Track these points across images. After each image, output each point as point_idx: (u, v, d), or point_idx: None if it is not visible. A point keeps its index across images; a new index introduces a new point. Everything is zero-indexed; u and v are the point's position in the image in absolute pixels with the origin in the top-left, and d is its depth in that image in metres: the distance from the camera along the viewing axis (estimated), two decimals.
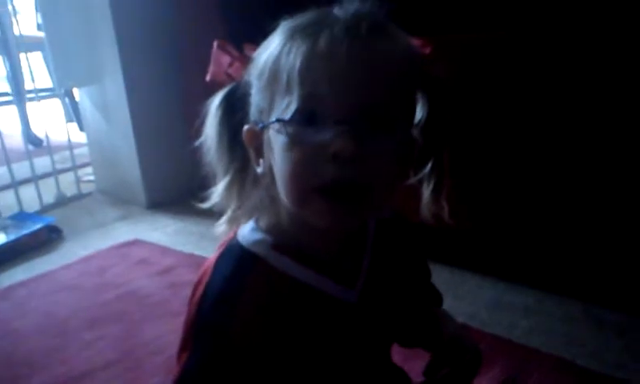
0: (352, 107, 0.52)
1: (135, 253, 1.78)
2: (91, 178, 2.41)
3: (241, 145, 0.60)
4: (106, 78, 2.15)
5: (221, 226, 0.62)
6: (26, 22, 3.49)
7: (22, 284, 1.63)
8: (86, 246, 1.86)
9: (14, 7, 2.66)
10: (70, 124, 3.39)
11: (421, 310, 0.74)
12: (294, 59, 0.52)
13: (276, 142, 0.55)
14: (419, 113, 0.60)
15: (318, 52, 0.52)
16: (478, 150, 1.36)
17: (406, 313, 0.72)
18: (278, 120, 0.54)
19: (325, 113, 0.52)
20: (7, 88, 3.42)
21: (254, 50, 0.60)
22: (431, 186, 0.63)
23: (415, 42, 0.60)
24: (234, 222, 0.62)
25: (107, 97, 2.19)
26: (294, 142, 0.53)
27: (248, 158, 0.60)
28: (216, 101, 0.61)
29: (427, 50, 0.61)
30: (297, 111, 0.53)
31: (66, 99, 3.42)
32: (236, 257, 0.59)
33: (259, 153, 0.59)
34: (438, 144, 0.62)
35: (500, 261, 1.44)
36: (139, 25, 2.06)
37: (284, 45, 0.54)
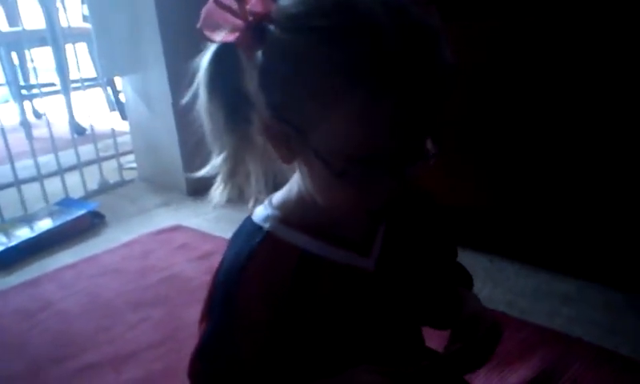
0: (405, 153, 0.53)
1: (176, 238, 1.82)
2: (133, 165, 2.46)
3: (238, 118, 0.58)
4: (148, 67, 2.19)
5: (215, 198, 0.62)
6: (72, 13, 3.58)
7: (68, 267, 1.69)
8: (129, 231, 1.90)
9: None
10: (112, 113, 3.48)
11: (444, 288, 0.72)
12: (348, 91, 0.50)
13: (320, 162, 0.54)
14: None
15: (378, 102, 0.50)
16: (517, 137, 1.36)
17: (427, 287, 0.71)
18: (334, 155, 0.53)
19: (382, 159, 0.52)
20: (53, 78, 3.51)
21: None
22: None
23: None
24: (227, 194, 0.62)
25: (150, 85, 2.24)
26: (348, 177, 0.53)
27: (246, 133, 0.59)
28: (204, 61, 0.58)
29: None
30: (354, 157, 0.52)
31: (109, 89, 3.49)
32: (247, 232, 0.62)
33: (286, 147, 0.57)
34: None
35: (540, 249, 1.42)
36: (181, 14, 2.08)
37: (326, 51, 0.50)
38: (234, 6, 0.54)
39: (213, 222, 1.89)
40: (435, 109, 0.53)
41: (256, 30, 0.54)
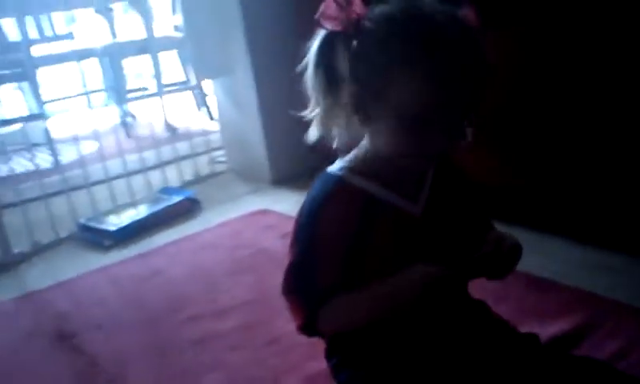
0: (452, 117, 0.76)
1: (263, 220, 2.06)
2: (223, 159, 2.74)
3: (333, 88, 0.79)
4: (236, 70, 2.43)
5: (310, 136, 0.84)
6: (163, 24, 3.93)
7: (172, 243, 1.97)
8: (221, 214, 2.16)
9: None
10: (200, 112, 3.79)
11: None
12: (415, 71, 0.73)
13: (393, 119, 0.76)
14: None
15: (433, 80, 0.72)
16: (559, 121, 1.49)
17: (466, 236, 0.87)
18: (403, 113, 0.75)
19: (435, 119, 0.75)
20: (145, 83, 3.87)
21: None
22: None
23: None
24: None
25: (237, 87, 2.47)
26: (413, 131, 0.75)
27: (337, 96, 0.79)
28: (317, 40, 0.79)
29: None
30: (417, 115, 0.74)
31: (196, 91, 3.81)
32: (323, 180, 0.84)
33: (366, 111, 0.78)
34: None
35: (589, 225, 1.54)
36: (266, 20, 2.32)
37: (402, 44, 0.73)
38: (344, 4, 0.76)
39: (294, 205, 2.09)
40: (475, 90, 0.75)
41: (357, 23, 0.76)
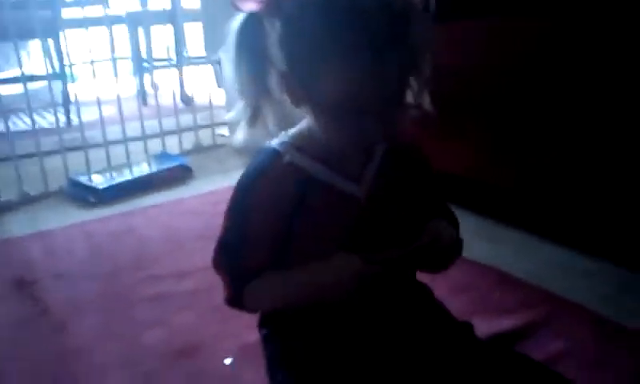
0: (381, 102, 0.69)
1: None
2: (226, 134, 2.74)
3: (260, 73, 0.73)
4: None
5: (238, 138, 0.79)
6: None
7: (156, 206, 1.98)
8: (211, 184, 2.16)
9: None
10: (220, 89, 3.79)
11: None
12: (336, 56, 0.67)
13: (321, 107, 0.72)
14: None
15: (356, 66, 0.66)
16: (545, 122, 1.44)
17: (412, 221, 0.82)
18: (329, 101, 0.70)
19: (363, 106, 0.68)
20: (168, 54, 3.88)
21: None
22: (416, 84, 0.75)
23: None
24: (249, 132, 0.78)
25: None
26: (341, 119, 0.70)
27: (266, 85, 0.73)
28: (235, 25, 0.73)
29: None
30: (343, 104, 0.69)
31: (218, 66, 3.81)
32: (264, 152, 0.79)
33: (298, 96, 0.73)
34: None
35: (571, 229, 1.50)
36: None
37: (321, 25, 0.67)
38: None
39: None
40: (406, 69, 0.70)
41: (275, 3, 0.71)
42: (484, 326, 1.10)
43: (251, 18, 0.72)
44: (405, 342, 0.84)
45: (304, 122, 0.79)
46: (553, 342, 1.09)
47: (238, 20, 0.73)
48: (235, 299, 0.81)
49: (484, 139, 1.58)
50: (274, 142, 0.78)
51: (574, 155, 1.41)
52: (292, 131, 0.79)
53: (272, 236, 0.77)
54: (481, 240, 1.53)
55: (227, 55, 0.75)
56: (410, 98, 0.74)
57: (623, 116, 1.28)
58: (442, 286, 0.97)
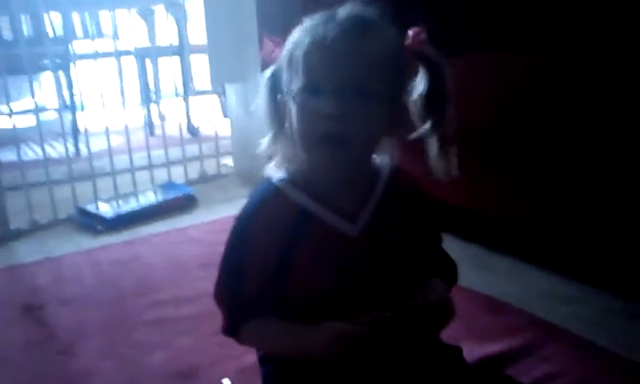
0: (340, 83, 0.74)
1: None
2: (231, 164, 2.80)
3: (278, 116, 0.81)
4: (249, 77, 2.51)
5: (270, 167, 0.84)
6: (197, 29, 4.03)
7: (161, 234, 2.04)
8: (215, 213, 2.21)
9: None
10: (225, 119, 3.87)
11: (424, 272, 0.84)
12: (302, 50, 0.75)
13: (292, 108, 0.77)
14: (420, 84, 0.80)
15: (317, 45, 0.74)
16: (533, 148, 1.50)
17: (407, 262, 0.83)
18: (291, 92, 0.77)
19: (322, 87, 0.74)
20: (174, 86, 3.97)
21: None
22: (437, 143, 0.81)
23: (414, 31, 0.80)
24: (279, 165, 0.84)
25: (249, 94, 2.53)
26: (302, 108, 0.76)
27: (282, 124, 0.81)
28: (264, 78, 0.83)
29: (424, 36, 0.81)
30: (303, 86, 0.75)
31: (223, 97, 3.89)
32: (262, 187, 0.83)
33: (287, 117, 0.80)
34: (438, 107, 0.80)
35: (556, 254, 1.55)
36: (279, 30, 2.38)
37: (298, 38, 0.77)
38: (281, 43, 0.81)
39: None
40: (363, 74, 0.74)
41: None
42: (473, 351, 1.15)
43: (276, 72, 0.81)
44: (397, 364, 0.86)
45: (302, 161, 0.83)
46: (539, 366, 1.14)
47: (267, 72, 0.83)
48: (231, 330, 0.85)
49: (475, 169, 1.63)
50: (274, 177, 0.83)
51: (558, 186, 1.47)
52: (292, 168, 0.82)
53: (270, 268, 0.80)
54: (470, 267, 1.57)
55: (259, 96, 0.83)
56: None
57: (601, 146, 1.34)
58: None
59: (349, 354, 0.74)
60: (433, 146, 0.81)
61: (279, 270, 0.80)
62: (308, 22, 0.79)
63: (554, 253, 1.58)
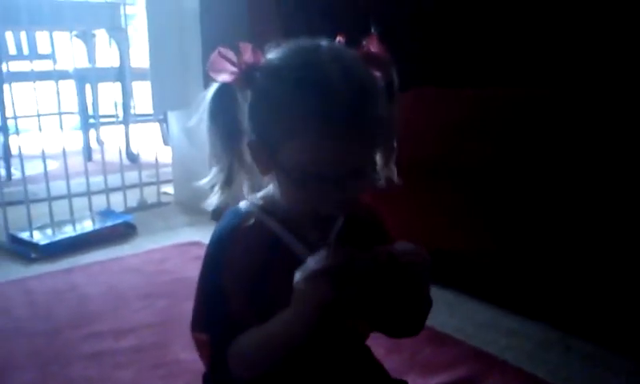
0: (344, 172, 0.72)
1: (193, 251, 2.06)
2: (171, 191, 2.76)
3: (232, 141, 0.76)
4: (192, 104, 2.49)
5: (212, 202, 0.80)
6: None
7: (98, 263, 1.98)
8: (155, 242, 2.18)
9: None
10: (166, 147, 3.82)
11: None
12: (306, 126, 0.69)
13: (285, 173, 0.73)
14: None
15: (326, 132, 0.69)
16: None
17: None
18: (294, 168, 0.72)
19: (327, 174, 0.72)
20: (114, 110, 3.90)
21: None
22: (383, 157, 0.81)
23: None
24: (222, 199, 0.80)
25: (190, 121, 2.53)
26: (304, 186, 0.72)
27: (239, 152, 0.76)
28: (208, 98, 0.75)
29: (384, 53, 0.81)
30: (307, 171, 0.71)
31: (164, 124, 3.84)
32: (233, 213, 0.81)
33: (264, 163, 0.75)
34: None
35: (500, 289, 1.60)
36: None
37: (293, 96, 0.70)
38: (233, 57, 0.75)
39: None
40: (367, 147, 0.74)
41: (247, 75, 0.73)
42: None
43: (224, 87, 0.75)
44: None
45: (271, 186, 0.81)
46: None
47: (212, 89, 0.76)
48: (218, 364, 0.79)
49: (415, 202, 1.66)
50: (243, 204, 0.81)
51: (496, 220, 1.51)
52: (261, 194, 0.81)
53: (248, 291, 0.78)
54: None
55: (200, 121, 0.77)
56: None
57: (539, 178, 1.39)
58: (379, 345, 1.01)
59: (334, 301, 0.70)
60: (379, 155, 0.81)
61: (255, 294, 0.78)
62: (294, 73, 0.71)
63: (493, 286, 1.62)
